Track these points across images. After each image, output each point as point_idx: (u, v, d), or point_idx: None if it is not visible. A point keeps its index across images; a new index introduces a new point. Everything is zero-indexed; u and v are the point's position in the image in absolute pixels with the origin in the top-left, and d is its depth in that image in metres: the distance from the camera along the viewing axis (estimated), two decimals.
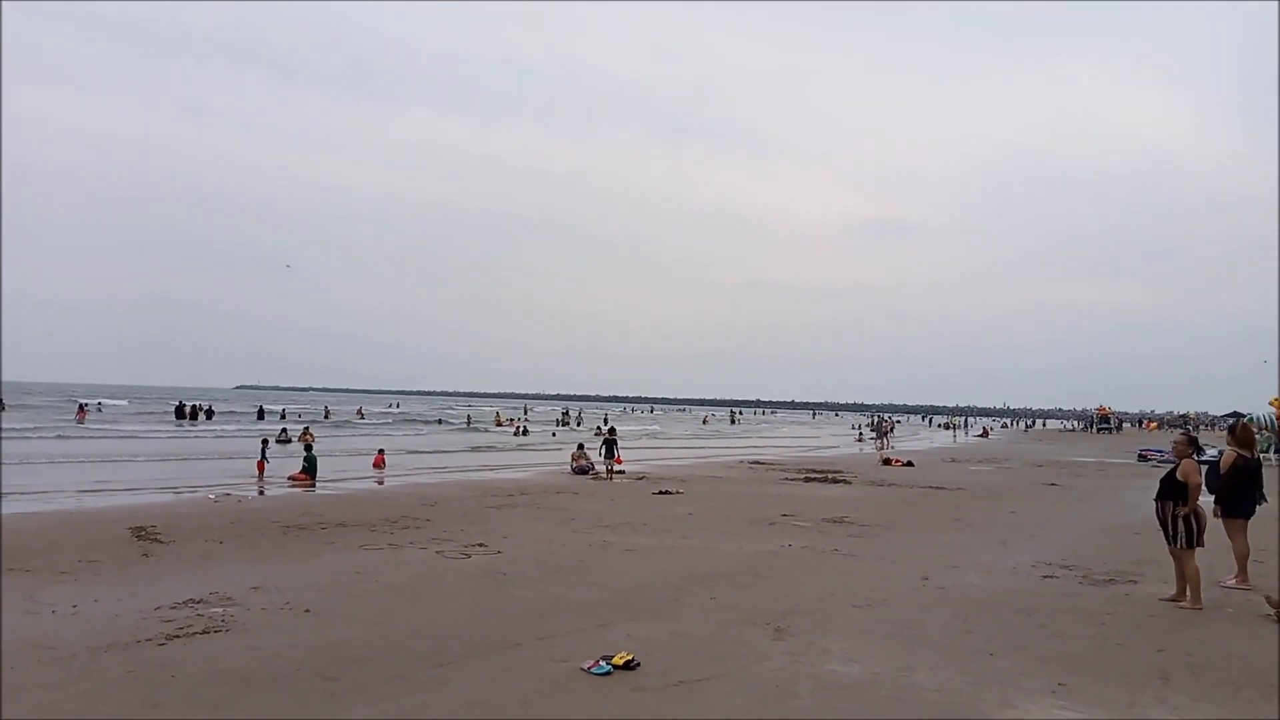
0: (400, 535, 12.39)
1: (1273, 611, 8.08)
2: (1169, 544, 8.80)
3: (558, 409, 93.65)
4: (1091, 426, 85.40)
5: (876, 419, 68.83)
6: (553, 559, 10.78)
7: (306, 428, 42.30)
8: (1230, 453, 10.05)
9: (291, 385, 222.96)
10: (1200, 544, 8.72)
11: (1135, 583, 9.69)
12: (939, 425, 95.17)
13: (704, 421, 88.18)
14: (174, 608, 7.90)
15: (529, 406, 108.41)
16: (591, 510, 15.78)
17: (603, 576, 9.74)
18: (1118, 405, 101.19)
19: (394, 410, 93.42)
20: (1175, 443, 9.53)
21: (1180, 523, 8.66)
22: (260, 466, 22.05)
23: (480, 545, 11.56)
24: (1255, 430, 12.32)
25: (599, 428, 48.09)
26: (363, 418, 69.67)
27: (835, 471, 25.42)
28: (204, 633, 7.10)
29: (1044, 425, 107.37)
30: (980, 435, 69.39)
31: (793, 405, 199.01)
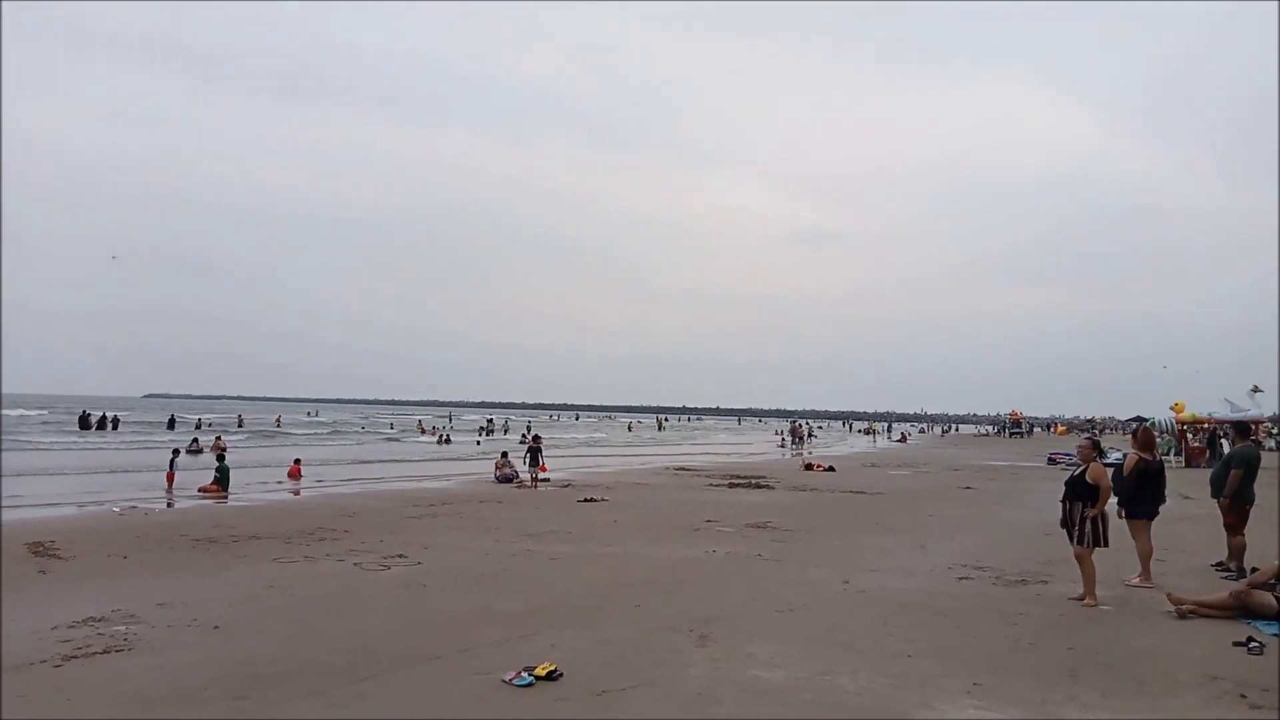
0: (316, 547, 12.06)
1: (1174, 609, 8.41)
2: (1073, 544, 9.09)
3: (482, 417, 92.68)
4: (1004, 431, 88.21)
5: (793, 425, 69.91)
6: (475, 569, 10.62)
7: (218, 436, 40.97)
8: (1133, 456, 10.45)
9: (205, 393, 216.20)
10: (1104, 544, 9.03)
11: (1046, 583, 9.98)
12: (859, 431, 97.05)
13: (629, 428, 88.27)
14: (72, 627, 7.52)
15: (453, 414, 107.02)
16: (515, 519, 15.62)
17: (526, 586, 9.62)
18: (1029, 410, 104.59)
19: (313, 418, 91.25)
20: (1080, 447, 9.86)
21: (1088, 523, 8.96)
22: (169, 478, 21.26)
23: (400, 556, 11.32)
24: (1156, 434, 12.84)
25: (523, 435, 47.69)
26: (279, 426, 67.81)
27: (759, 477, 25.68)
28: (104, 652, 6.78)
29: (957, 430, 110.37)
30: (899, 440, 71.04)
31: (718, 411, 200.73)
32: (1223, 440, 29.65)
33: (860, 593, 9.43)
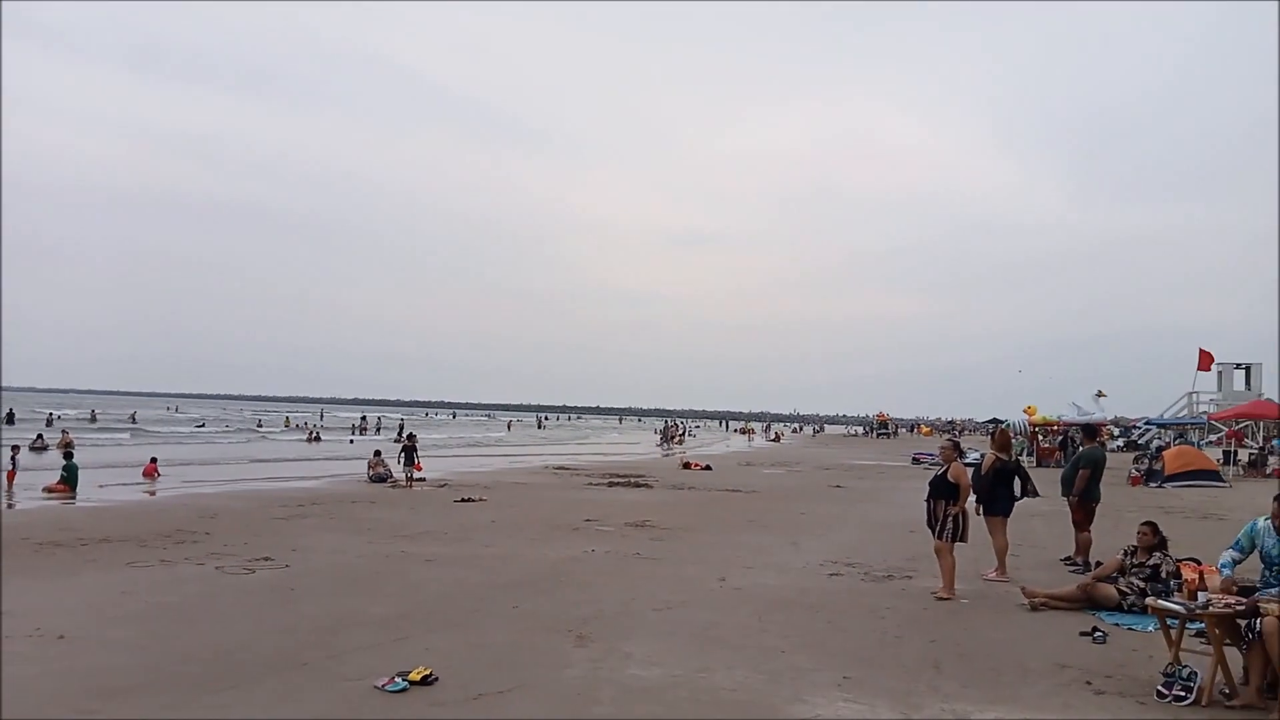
0: (174, 550, 11.44)
1: (1027, 602, 8.89)
2: (936, 539, 9.50)
3: (355, 415, 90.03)
4: (871, 431, 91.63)
5: (665, 424, 70.69)
6: (346, 572, 10.28)
7: (65, 432, 38.45)
8: (990, 456, 11.00)
9: (51, 386, 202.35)
10: (964, 540, 9.48)
11: (910, 578, 10.39)
12: (736, 430, 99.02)
13: (509, 427, 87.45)
14: None
15: (325, 411, 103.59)
16: (389, 519, 15.22)
17: (400, 588, 9.38)
18: (894, 412, 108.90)
19: (173, 414, 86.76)
20: (942, 447, 10.33)
21: (950, 520, 9.38)
22: (10, 476, 19.76)
23: (266, 559, 10.86)
24: (1011, 435, 13.58)
25: (399, 434, 46.58)
26: (135, 422, 64.13)
27: (638, 476, 25.84)
28: None
29: (823, 430, 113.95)
30: (773, 440, 72.81)
31: (599, 410, 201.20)
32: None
33: (736, 590, 9.59)
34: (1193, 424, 47.23)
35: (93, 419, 63.83)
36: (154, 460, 24.19)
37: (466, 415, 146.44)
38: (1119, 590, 8.72)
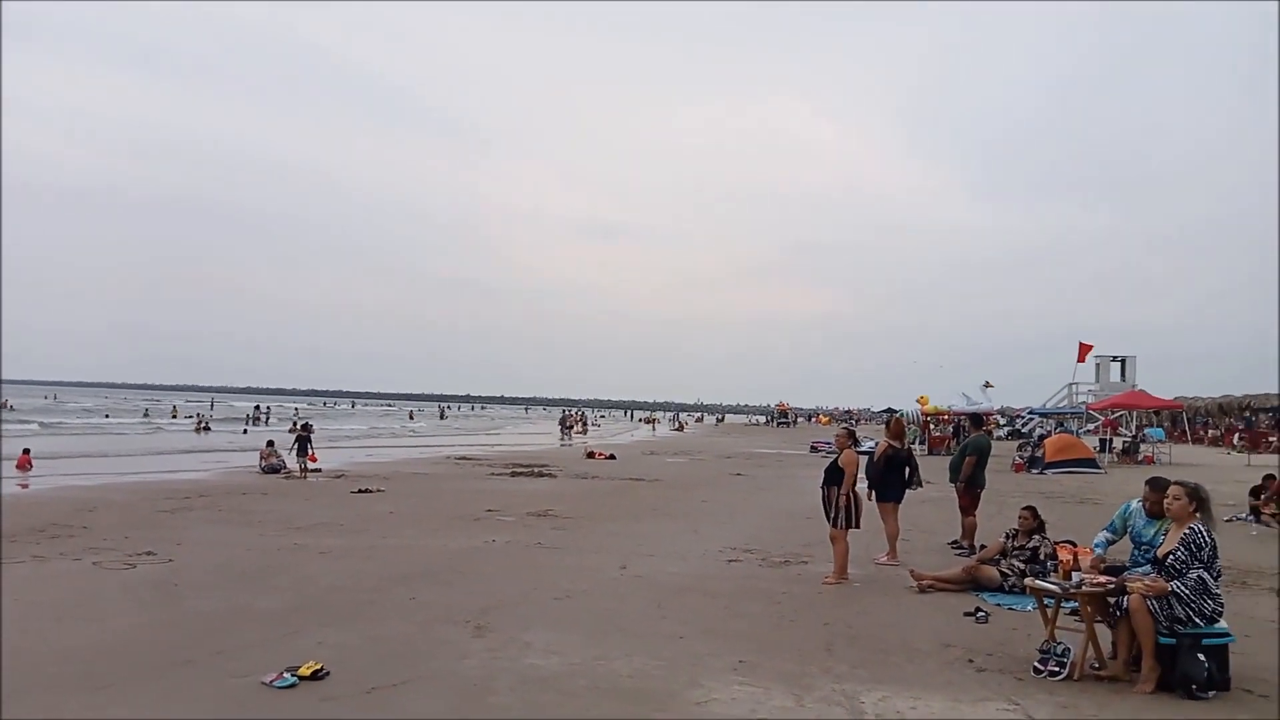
0: (48, 546, 10.85)
1: (915, 584, 9.21)
2: (830, 526, 9.75)
3: (248, 404, 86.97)
4: (772, 421, 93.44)
5: (563, 413, 70.36)
6: (235, 566, 9.94)
7: None
8: (883, 443, 11.35)
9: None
10: (857, 525, 9.75)
11: (806, 563, 10.64)
12: (641, 420, 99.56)
13: (410, 416, 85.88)
14: None
15: (215, 400, 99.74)
16: (282, 511, 14.77)
17: (293, 582, 9.11)
18: (794, 401, 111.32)
19: (50, 402, 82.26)
20: (837, 436, 10.61)
21: (842, 506, 9.62)
22: None
23: (148, 554, 10.40)
24: (905, 424, 14.03)
25: (293, 423, 45.20)
26: (12, 409, 60.50)
27: (541, 465, 25.73)
28: None
29: (725, 420, 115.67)
30: (677, 429, 73.48)
31: (504, 400, 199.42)
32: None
33: (637, 577, 9.65)
34: (1072, 413, 49.67)
35: None
36: (27, 451, 22.88)
37: (367, 405, 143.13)
38: (1001, 572, 9.11)
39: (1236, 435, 43.29)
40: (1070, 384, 54.50)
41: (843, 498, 9.58)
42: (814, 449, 38.98)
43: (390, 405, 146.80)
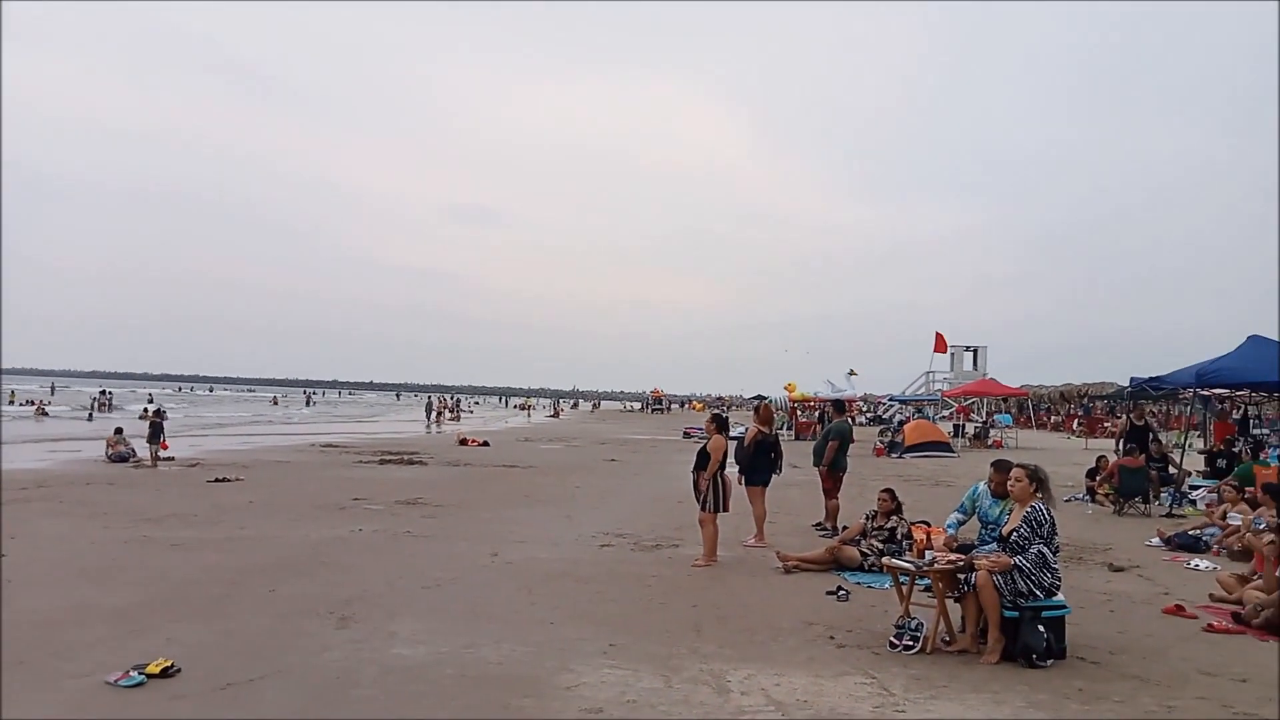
0: None
1: (781, 565, 9.48)
2: (699, 510, 9.92)
3: (94, 389, 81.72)
4: (647, 407, 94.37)
5: (429, 399, 68.68)
6: (77, 561, 9.32)
7: None
8: (753, 429, 11.62)
9: None
10: (726, 509, 9.96)
11: (677, 546, 10.79)
12: (515, 406, 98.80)
13: (274, 402, 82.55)
14: None
15: (56, 385, 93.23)
16: (131, 503, 13.95)
17: (141, 576, 8.62)
18: (669, 388, 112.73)
19: None
20: (706, 423, 10.79)
21: (709, 491, 9.80)
22: None
23: None
24: (774, 410, 14.39)
25: (145, 409, 42.73)
26: None
27: (412, 453, 25.19)
28: None
29: (601, 406, 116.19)
30: (552, 415, 73.28)
31: (373, 386, 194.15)
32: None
33: (508, 564, 9.58)
34: (929, 400, 52.10)
35: None
36: None
37: (225, 390, 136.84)
38: (861, 552, 9.48)
39: (1076, 421, 46.42)
40: (928, 372, 57.15)
41: (705, 482, 9.74)
42: (687, 434, 39.53)
43: (251, 390, 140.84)
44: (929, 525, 10.18)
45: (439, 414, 53.63)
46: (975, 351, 61.61)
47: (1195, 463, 18.11)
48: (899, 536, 9.44)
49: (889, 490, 10.02)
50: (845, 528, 10.70)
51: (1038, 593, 6.35)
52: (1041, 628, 6.25)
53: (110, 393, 62.04)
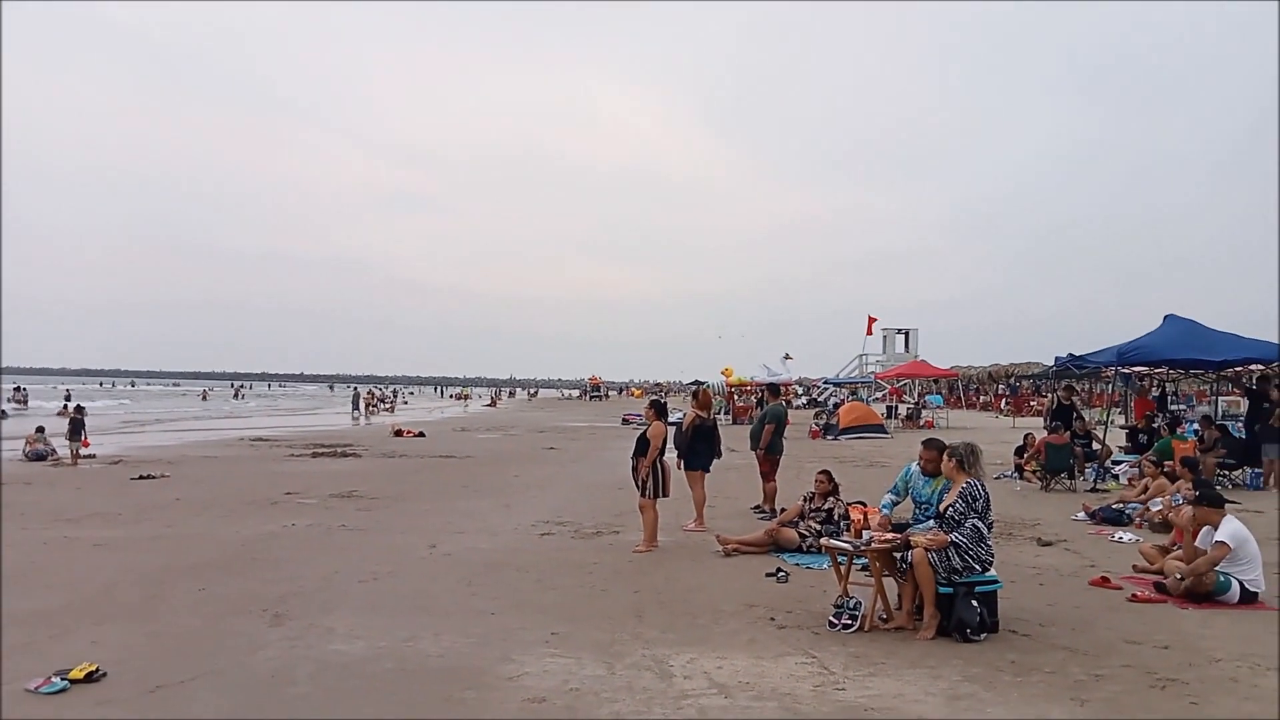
0: None
1: (721, 548, 9.53)
2: (640, 495, 9.92)
3: (6, 385, 78.41)
4: (585, 394, 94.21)
5: (354, 390, 67.32)
6: None
7: None
8: (691, 414, 11.65)
9: None
10: (666, 494, 9.97)
11: (618, 533, 10.79)
12: (452, 396, 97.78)
13: (203, 396, 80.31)
14: None
15: None
16: (50, 502, 13.44)
17: (62, 579, 8.30)
18: (607, 375, 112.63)
19: None
20: (646, 409, 10.80)
21: (649, 476, 9.80)
22: None
23: None
24: (712, 395, 14.47)
25: (65, 406, 41.21)
26: None
27: (346, 445, 24.76)
28: None
29: (538, 394, 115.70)
30: (489, 405, 72.71)
31: (304, 378, 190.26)
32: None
33: (446, 555, 9.46)
34: (863, 382, 53.00)
35: None
36: None
37: (150, 385, 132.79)
38: (800, 533, 9.59)
39: (1003, 401, 47.66)
40: (861, 355, 58.09)
41: (645, 468, 9.75)
42: (625, 421, 39.60)
43: (177, 384, 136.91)
44: (865, 505, 10.35)
45: (368, 406, 52.78)
46: (906, 334, 62.82)
47: (1117, 438, 18.76)
48: (836, 517, 9.57)
49: (826, 472, 10.15)
50: (784, 510, 10.81)
51: (975, 566, 6.49)
52: (975, 603, 6.39)
53: (25, 389, 59.60)
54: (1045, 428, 17.98)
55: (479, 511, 12.71)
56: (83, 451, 19.93)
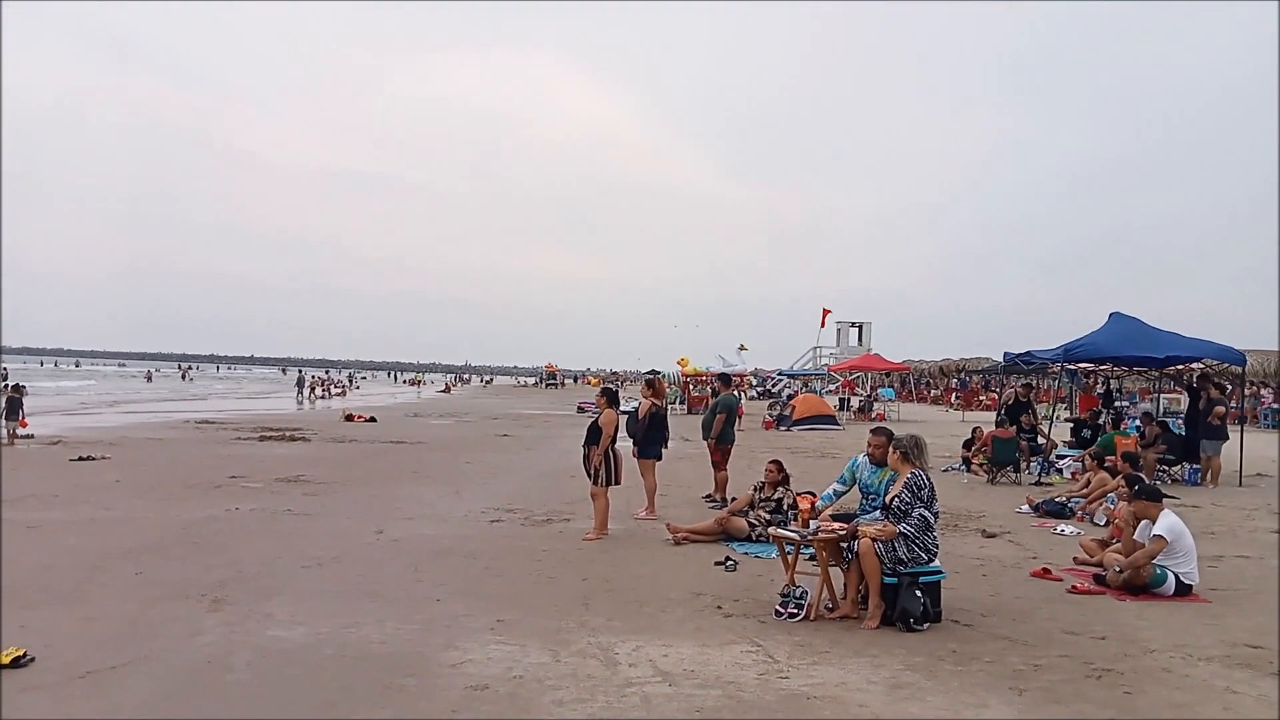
0: None
1: (671, 537, 9.53)
2: (591, 483, 9.88)
3: None
4: (541, 382, 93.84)
5: (299, 374, 65.87)
6: None
7: None
8: (646, 403, 11.63)
9: None
10: (618, 482, 9.94)
11: (568, 520, 10.74)
12: (405, 381, 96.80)
13: (148, 378, 78.57)
14: None
15: None
16: None
17: None
18: (563, 363, 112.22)
19: None
20: (598, 397, 10.75)
21: (600, 465, 9.76)
22: None
23: None
24: (667, 385, 14.47)
25: (4, 384, 40.03)
26: None
27: (295, 429, 24.37)
28: None
29: (493, 381, 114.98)
30: (443, 391, 72.10)
31: (254, 360, 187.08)
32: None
33: (393, 541, 9.34)
34: (816, 374, 53.46)
35: None
36: None
37: (94, 365, 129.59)
38: (749, 522, 9.62)
39: (954, 395, 48.42)
40: (815, 347, 58.56)
41: (597, 456, 9.70)
42: (580, 409, 39.48)
43: (122, 365, 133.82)
44: (814, 496, 10.38)
45: (313, 390, 51.98)
46: (860, 327, 63.47)
47: (1062, 433, 19.12)
48: (785, 507, 9.61)
49: (776, 461, 10.18)
50: (733, 499, 10.84)
51: (923, 556, 6.56)
52: (919, 593, 6.45)
53: None
54: (996, 422, 18.26)
55: (429, 498, 12.58)
56: (20, 432, 19.39)
